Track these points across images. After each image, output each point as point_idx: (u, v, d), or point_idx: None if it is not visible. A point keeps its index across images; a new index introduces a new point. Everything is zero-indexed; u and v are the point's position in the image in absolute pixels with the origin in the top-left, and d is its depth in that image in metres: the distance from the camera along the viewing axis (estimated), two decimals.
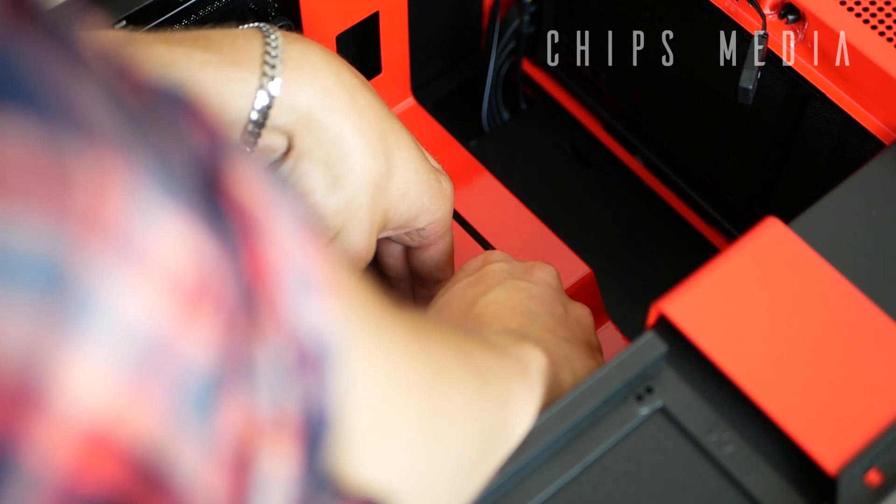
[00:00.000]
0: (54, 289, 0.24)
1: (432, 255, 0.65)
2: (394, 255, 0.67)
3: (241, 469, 0.28)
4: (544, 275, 0.61)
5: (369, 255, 0.60)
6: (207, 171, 0.28)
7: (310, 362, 0.30)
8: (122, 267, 0.25)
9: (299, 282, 0.30)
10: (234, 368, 0.27)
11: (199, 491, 0.27)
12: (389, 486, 0.37)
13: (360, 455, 0.36)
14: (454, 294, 0.59)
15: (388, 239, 0.65)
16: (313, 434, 0.30)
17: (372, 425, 0.38)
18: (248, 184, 0.29)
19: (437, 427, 0.42)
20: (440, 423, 0.43)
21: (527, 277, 0.60)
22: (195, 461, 0.27)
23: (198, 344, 0.26)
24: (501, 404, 0.47)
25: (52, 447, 0.24)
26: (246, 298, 0.28)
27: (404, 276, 0.68)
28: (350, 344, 0.33)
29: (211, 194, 0.28)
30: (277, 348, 0.29)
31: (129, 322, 0.25)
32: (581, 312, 0.61)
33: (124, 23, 0.61)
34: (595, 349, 0.60)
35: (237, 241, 0.28)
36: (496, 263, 0.60)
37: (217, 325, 0.27)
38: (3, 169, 0.24)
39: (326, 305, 0.31)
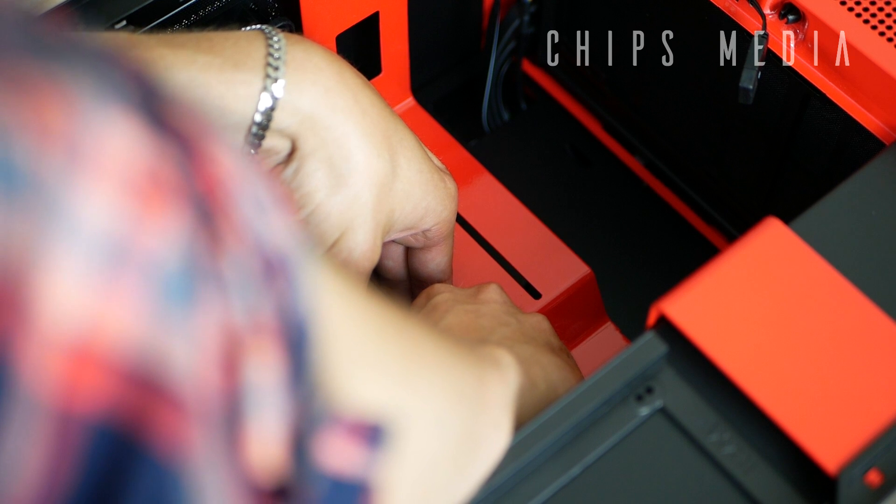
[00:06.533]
0: (17, 185, 0.24)
1: (434, 256, 0.65)
2: (393, 258, 0.67)
3: (230, 371, 0.28)
4: (490, 293, 0.61)
5: (375, 256, 0.60)
6: (140, 95, 0.28)
7: (276, 270, 0.30)
8: (75, 169, 0.25)
9: (251, 199, 0.30)
10: (203, 269, 0.27)
11: (194, 388, 0.27)
12: (382, 411, 0.37)
13: (346, 374, 0.36)
14: None
15: (389, 241, 0.65)
16: (294, 339, 0.30)
17: (351, 350, 0.38)
18: (182, 113, 0.29)
19: (415, 372, 0.43)
20: (416, 368, 0.43)
21: (473, 300, 0.60)
22: (186, 355, 0.26)
23: (163, 235, 0.26)
24: (478, 382, 0.47)
25: (42, 366, 0.24)
26: (202, 209, 0.28)
27: (403, 279, 0.68)
28: (311, 259, 0.33)
29: (149, 110, 0.28)
30: (241, 258, 0.29)
31: (92, 224, 0.25)
32: (535, 319, 0.61)
33: (125, 23, 0.61)
34: (557, 350, 0.60)
35: (183, 155, 0.28)
36: (440, 295, 0.61)
37: (179, 217, 0.27)
38: None
39: (281, 221, 0.31)
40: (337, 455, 0.34)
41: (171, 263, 0.26)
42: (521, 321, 0.60)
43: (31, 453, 0.24)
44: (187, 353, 0.26)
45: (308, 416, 0.31)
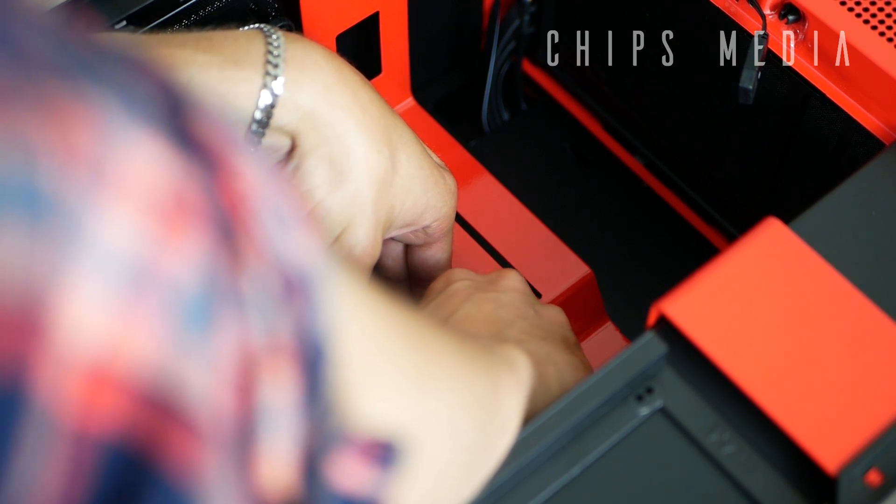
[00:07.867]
0: (41, 213, 0.24)
1: (433, 253, 0.65)
2: (392, 256, 0.67)
3: (245, 392, 0.28)
4: (510, 281, 0.61)
5: (376, 252, 0.60)
6: (167, 109, 0.28)
7: (295, 290, 0.30)
8: (99, 191, 0.25)
9: (274, 215, 0.30)
10: (223, 290, 0.27)
11: (209, 411, 0.27)
12: (395, 429, 0.37)
13: (361, 393, 0.36)
14: None
15: (388, 238, 0.65)
16: (310, 359, 0.30)
17: (367, 367, 0.38)
18: (210, 126, 0.29)
19: (431, 383, 0.43)
20: (432, 379, 0.43)
21: (492, 288, 0.60)
22: (202, 379, 0.26)
23: (184, 258, 0.26)
24: (492, 386, 0.47)
25: (59, 387, 0.24)
26: (224, 227, 0.28)
27: (403, 278, 0.68)
28: (332, 276, 0.33)
29: (176, 126, 0.28)
30: (261, 276, 0.29)
31: (114, 246, 0.25)
32: (553, 312, 0.61)
33: (124, 23, 0.61)
34: (573, 345, 0.60)
35: (208, 172, 0.28)
36: (459, 281, 0.60)
37: (200, 240, 0.27)
38: None
39: (303, 238, 0.31)
40: (349, 476, 0.34)
41: (191, 287, 0.26)
42: (539, 313, 0.60)
43: (46, 473, 0.24)
44: (203, 376, 0.26)
45: (321, 436, 0.31)
